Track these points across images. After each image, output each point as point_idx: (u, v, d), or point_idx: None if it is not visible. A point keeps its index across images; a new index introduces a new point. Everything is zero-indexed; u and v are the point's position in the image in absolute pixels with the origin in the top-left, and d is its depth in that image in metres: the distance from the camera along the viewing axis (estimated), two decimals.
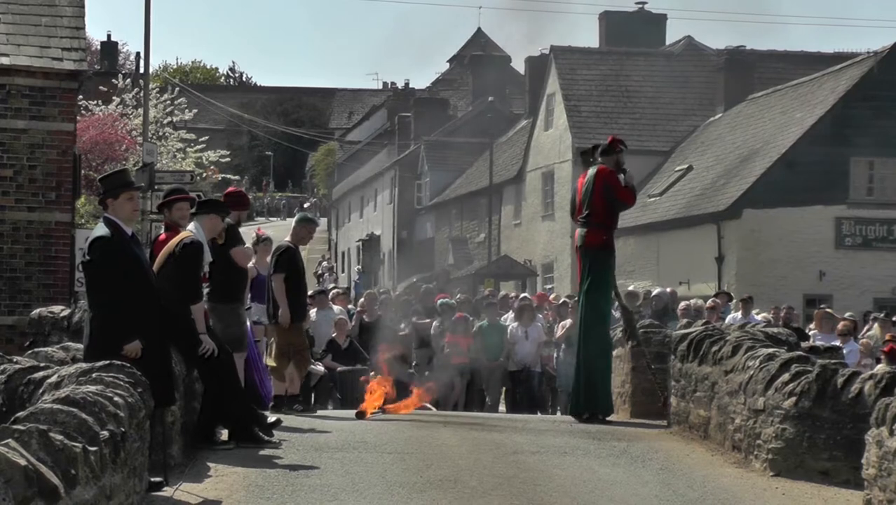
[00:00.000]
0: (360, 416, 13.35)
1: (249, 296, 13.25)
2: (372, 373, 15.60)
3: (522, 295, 24.77)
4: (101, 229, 9.03)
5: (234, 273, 12.02)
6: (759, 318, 19.39)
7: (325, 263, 59.22)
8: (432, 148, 57.03)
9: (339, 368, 18.15)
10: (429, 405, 16.42)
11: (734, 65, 41.52)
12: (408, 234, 58.78)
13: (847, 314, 20.12)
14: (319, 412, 14.53)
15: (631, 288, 20.65)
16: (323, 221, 71.82)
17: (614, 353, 14.37)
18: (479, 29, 78.04)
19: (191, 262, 10.17)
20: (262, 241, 14.22)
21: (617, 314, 15.22)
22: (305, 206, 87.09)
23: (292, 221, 14.63)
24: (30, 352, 9.86)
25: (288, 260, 13.71)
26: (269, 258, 14.08)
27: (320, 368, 17.77)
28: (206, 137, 43.17)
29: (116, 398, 6.99)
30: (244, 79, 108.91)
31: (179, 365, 10.07)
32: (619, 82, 43.34)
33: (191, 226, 10.87)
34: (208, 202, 11.71)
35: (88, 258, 8.96)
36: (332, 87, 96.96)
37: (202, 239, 10.74)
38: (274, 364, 13.76)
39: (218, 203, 11.78)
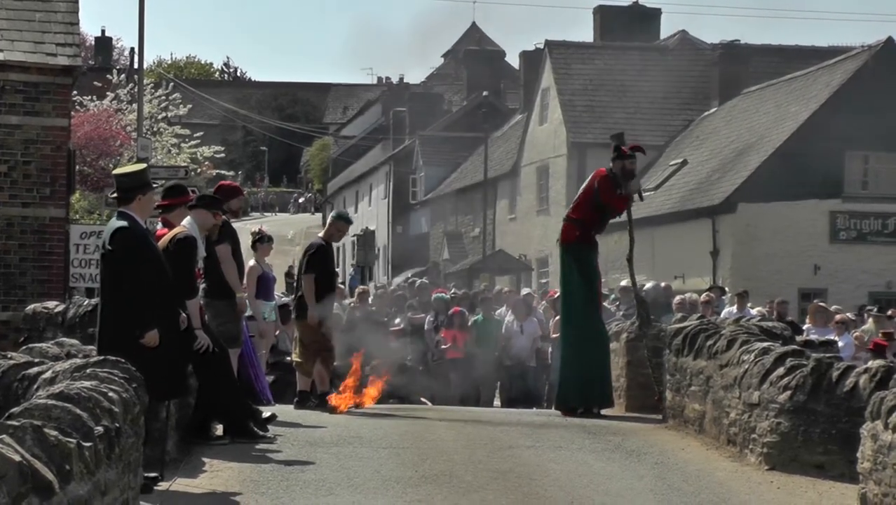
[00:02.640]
0: (331, 410, 13.11)
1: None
2: (368, 367, 15.52)
3: (525, 291, 24.70)
4: (119, 222, 9.01)
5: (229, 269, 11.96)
6: (754, 312, 19.41)
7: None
8: (427, 143, 56.97)
9: None
10: (424, 400, 16.39)
11: (729, 59, 41.45)
12: (402, 229, 58.74)
13: (839, 310, 20.11)
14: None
15: (624, 284, 20.62)
16: (317, 217, 71.76)
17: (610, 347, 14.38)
18: (473, 23, 78.14)
19: (185, 257, 10.14)
20: (265, 241, 14.15)
21: (612, 308, 15.24)
22: (300, 201, 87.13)
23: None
24: (24, 348, 9.83)
25: (319, 260, 13.54)
26: (269, 256, 14.05)
27: None
28: (201, 133, 43.07)
29: (111, 394, 6.97)
30: (239, 74, 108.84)
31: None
32: (614, 77, 43.29)
33: (185, 221, 10.85)
34: (200, 197, 11.67)
35: (110, 248, 8.95)
36: (326, 83, 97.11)
37: (196, 234, 10.72)
38: (300, 360, 13.72)
39: (208, 198, 11.72)
